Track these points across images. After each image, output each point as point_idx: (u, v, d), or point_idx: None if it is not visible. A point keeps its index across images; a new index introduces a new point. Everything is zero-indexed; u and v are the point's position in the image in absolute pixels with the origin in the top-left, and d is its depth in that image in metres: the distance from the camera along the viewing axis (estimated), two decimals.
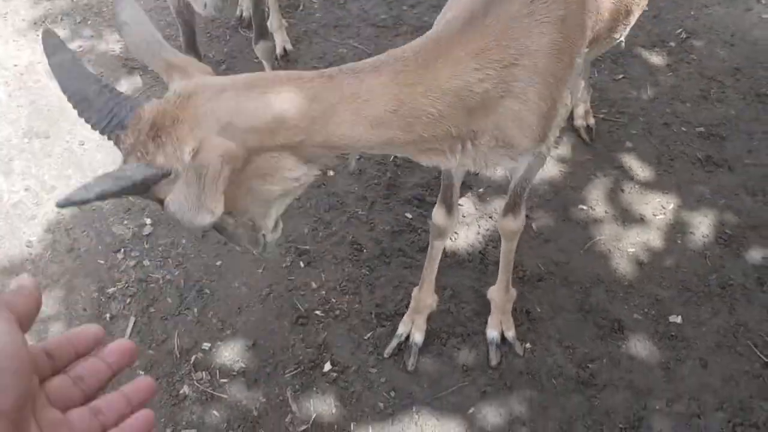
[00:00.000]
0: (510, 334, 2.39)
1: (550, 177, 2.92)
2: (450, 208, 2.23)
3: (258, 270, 2.62)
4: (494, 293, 2.40)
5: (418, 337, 2.39)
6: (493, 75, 1.45)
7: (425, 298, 2.40)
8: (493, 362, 2.35)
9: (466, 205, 2.83)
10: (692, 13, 3.63)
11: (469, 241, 2.71)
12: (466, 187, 2.88)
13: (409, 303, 2.47)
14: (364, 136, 1.38)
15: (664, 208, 2.79)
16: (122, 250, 2.70)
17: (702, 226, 2.72)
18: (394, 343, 2.38)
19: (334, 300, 2.53)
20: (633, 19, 2.11)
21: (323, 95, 1.32)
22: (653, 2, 3.68)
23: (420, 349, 2.38)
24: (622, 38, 2.17)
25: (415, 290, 2.43)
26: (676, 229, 2.72)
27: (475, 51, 1.44)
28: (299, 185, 1.41)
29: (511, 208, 2.17)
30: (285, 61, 3.42)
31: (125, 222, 2.78)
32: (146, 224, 2.77)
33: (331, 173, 2.94)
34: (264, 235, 1.56)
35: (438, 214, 2.25)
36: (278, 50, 3.41)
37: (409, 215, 2.81)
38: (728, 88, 3.24)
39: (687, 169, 2.93)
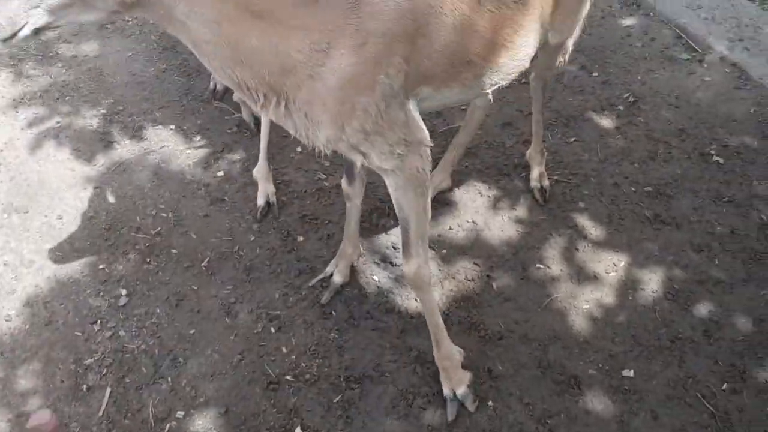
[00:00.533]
0: (460, 391, 2.50)
1: (508, 237, 3.08)
2: (351, 177, 2.61)
3: (230, 337, 2.73)
4: (435, 354, 2.53)
5: (337, 278, 2.86)
6: (305, 52, 1.82)
7: (347, 248, 2.85)
8: (450, 417, 2.47)
9: (431, 267, 2.97)
10: (639, 77, 3.87)
11: None
12: (430, 248, 3.03)
13: (378, 364, 2.60)
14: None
15: (615, 265, 2.96)
16: (98, 321, 2.79)
17: (651, 282, 2.89)
18: (317, 279, 2.89)
19: (304, 364, 2.63)
20: (482, 72, 2.20)
21: None
22: (603, 68, 3.94)
23: (387, 411, 2.48)
24: (489, 92, 2.33)
25: (343, 242, 2.83)
26: (628, 286, 2.88)
27: (297, 25, 1.81)
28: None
29: (405, 251, 2.32)
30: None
31: (101, 294, 2.88)
32: (122, 295, 2.87)
33: (301, 238, 3.07)
34: (24, 25, 1.71)
35: (344, 182, 2.70)
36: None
37: (376, 278, 2.94)
38: (674, 148, 3.46)
39: (636, 227, 3.10)
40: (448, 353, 2.51)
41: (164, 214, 3.20)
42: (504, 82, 2.35)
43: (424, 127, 2.13)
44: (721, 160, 3.38)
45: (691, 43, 4.04)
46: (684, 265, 2.95)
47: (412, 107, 2.08)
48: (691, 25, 4.08)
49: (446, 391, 2.50)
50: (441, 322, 2.50)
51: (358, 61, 1.86)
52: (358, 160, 2.09)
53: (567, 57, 2.81)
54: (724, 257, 2.96)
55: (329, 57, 1.84)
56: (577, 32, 2.72)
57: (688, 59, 3.96)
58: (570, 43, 2.74)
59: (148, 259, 3.00)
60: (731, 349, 2.65)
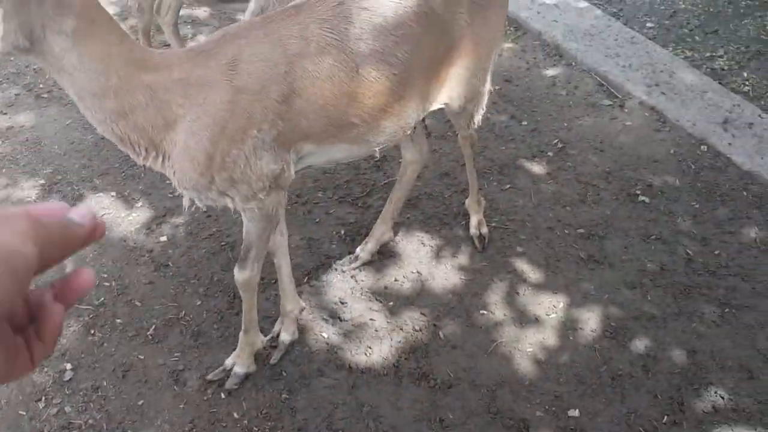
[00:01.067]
0: (237, 368, 2.75)
1: (452, 285, 3.17)
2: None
3: (180, 405, 2.70)
4: (242, 336, 2.75)
5: (285, 337, 2.88)
6: (185, 106, 1.96)
7: (285, 305, 2.87)
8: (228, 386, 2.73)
9: (378, 319, 3.02)
10: (565, 124, 4.08)
11: (383, 355, 2.89)
12: (377, 301, 3.09)
13: (331, 422, 2.62)
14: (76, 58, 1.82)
15: (555, 306, 3.07)
16: (43, 398, 2.72)
17: (590, 321, 3.01)
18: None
19: (256, 428, 2.62)
20: (365, 133, 2.33)
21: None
22: (531, 117, 4.13)
23: None
24: (375, 150, 2.47)
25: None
26: (568, 326, 2.99)
27: (179, 79, 1.95)
28: None
29: (242, 263, 2.50)
30: None
31: (45, 369, 2.82)
32: (66, 369, 2.82)
33: None
34: None
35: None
36: None
37: (325, 334, 2.97)
38: (602, 190, 3.65)
39: (572, 268, 3.24)
40: (252, 340, 2.75)
41: (107, 284, 3.17)
42: (391, 143, 2.49)
43: (293, 175, 2.28)
44: (647, 200, 3.58)
45: (611, 90, 4.29)
46: (619, 302, 3.09)
47: (292, 160, 2.23)
48: (611, 72, 4.35)
49: (228, 362, 2.78)
50: (255, 315, 2.72)
51: (232, 116, 2.00)
52: (226, 203, 2.23)
53: (477, 120, 2.88)
54: (655, 293, 3.12)
55: (205, 112, 1.98)
56: (482, 99, 2.81)
57: (609, 105, 4.20)
58: (475, 108, 2.81)
59: (92, 331, 2.96)
60: (669, 381, 2.77)
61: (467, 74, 2.62)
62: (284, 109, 2.08)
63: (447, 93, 2.61)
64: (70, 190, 3.65)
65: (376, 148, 2.45)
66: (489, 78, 2.79)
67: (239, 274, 2.52)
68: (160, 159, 2.09)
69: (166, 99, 1.95)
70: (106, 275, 3.20)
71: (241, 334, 2.74)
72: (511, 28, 4.89)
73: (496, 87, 4.34)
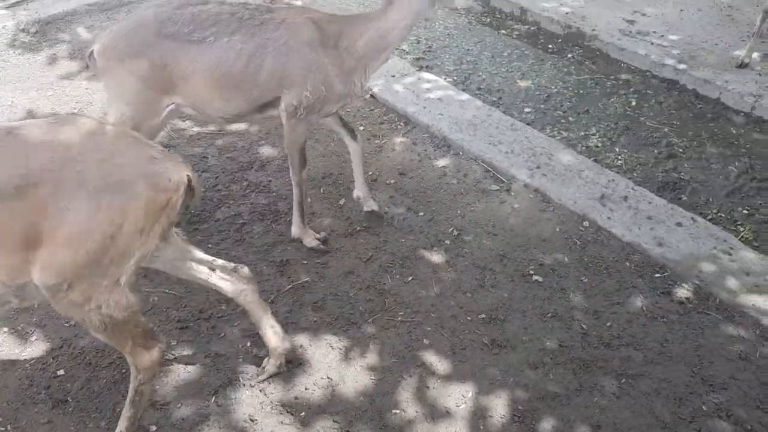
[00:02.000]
0: None
1: (363, 387, 3.18)
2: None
3: None
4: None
5: None
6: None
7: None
8: None
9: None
10: (459, 212, 4.28)
11: None
12: (288, 413, 3.05)
13: None
14: None
15: (464, 396, 3.14)
16: None
17: (498, 407, 3.08)
18: None
19: None
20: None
21: None
22: (427, 207, 4.31)
23: None
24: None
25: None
26: (478, 415, 3.05)
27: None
28: None
29: None
30: None
31: None
32: None
33: (154, 428, 2.98)
34: None
35: None
36: None
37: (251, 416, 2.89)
38: (498, 273, 3.81)
39: (477, 355, 3.34)
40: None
41: (2, 428, 2.99)
42: None
43: None
44: (540, 279, 3.77)
45: (498, 175, 4.55)
46: (524, 384, 3.19)
47: None
48: (496, 158, 4.62)
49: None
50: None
51: None
52: None
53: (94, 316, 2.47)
54: (557, 371, 3.25)
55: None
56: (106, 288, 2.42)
57: (497, 189, 4.45)
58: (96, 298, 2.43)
59: None
60: None
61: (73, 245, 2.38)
62: None
63: (45, 264, 2.34)
64: None
65: None
66: None
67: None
68: None
69: None
70: (0, 419, 3.03)
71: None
72: (401, 123, 5.14)
73: (392, 181, 4.52)
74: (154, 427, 2.98)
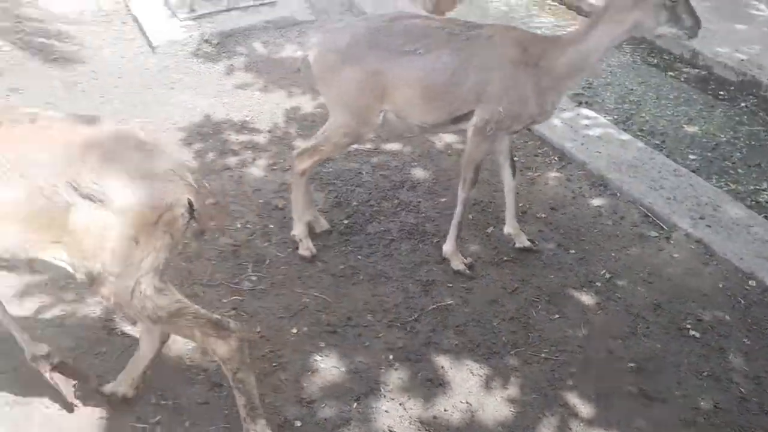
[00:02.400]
0: None
1: (503, 418, 3.16)
2: None
3: None
4: None
5: None
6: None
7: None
8: None
9: None
10: (613, 254, 4.15)
11: None
12: (426, 431, 3.08)
13: None
14: None
15: None
16: None
17: None
18: None
19: None
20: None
21: None
22: (579, 245, 4.22)
23: None
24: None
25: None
26: None
27: None
28: None
29: None
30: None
31: None
32: None
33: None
34: None
35: None
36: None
37: None
38: (652, 323, 3.65)
39: (624, 403, 3.21)
40: None
41: (165, 401, 3.23)
42: None
43: None
44: (698, 334, 3.57)
45: (657, 221, 4.37)
46: None
47: None
48: (656, 204, 4.45)
49: None
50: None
51: None
52: None
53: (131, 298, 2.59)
54: None
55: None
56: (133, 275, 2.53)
57: (656, 236, 4.28)
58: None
59: None
60: None
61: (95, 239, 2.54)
62: None
63: (77, 252, 2.56)
64: None
65: None
66: None
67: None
68: None
69: None
70: (162, 393, 3.27)
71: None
72: (555, 158, 5.07)
73: (543, 215, 4.47)
74: (298, 423, 3.12)
